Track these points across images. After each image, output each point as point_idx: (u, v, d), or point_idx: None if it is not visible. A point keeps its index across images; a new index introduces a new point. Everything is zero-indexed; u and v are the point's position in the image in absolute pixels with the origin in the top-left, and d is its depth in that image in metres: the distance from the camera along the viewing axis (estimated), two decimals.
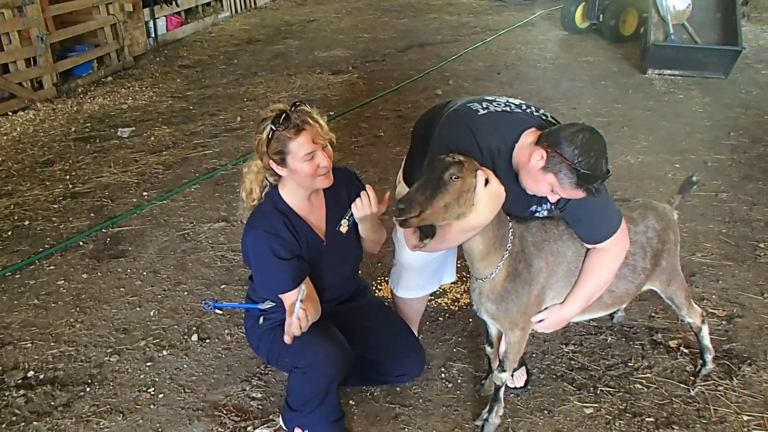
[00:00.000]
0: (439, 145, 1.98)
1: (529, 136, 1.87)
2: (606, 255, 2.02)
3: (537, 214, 2.09)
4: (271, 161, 1.96)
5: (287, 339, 1.90)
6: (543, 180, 1.82)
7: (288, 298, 2.01)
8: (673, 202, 2.36)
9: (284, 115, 1.90)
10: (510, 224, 1.99)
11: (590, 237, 2.01)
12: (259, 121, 1.96)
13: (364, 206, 2.09)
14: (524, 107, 2.01)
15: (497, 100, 2.03)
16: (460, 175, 1.76)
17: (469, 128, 1.92)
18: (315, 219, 2.14)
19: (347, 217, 2.18)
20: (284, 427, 2.23)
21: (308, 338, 1.99)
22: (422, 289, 2.46)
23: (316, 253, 2.12)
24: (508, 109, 1.98)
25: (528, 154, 1.82)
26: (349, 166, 2.34)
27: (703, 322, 2.41)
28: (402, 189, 2.30)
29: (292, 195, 2.08)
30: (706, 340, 2.44)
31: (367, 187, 2.11)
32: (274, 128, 1.90)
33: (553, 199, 1.90)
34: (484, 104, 1.99)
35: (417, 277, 2.40)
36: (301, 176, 1.97)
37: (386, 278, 3.09)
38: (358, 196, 2.12)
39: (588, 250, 2.05)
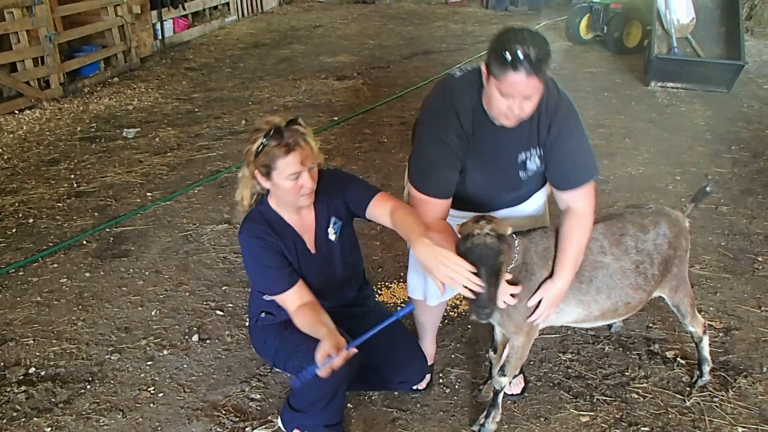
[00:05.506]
0: (424, 120, 2.02)
1: None
2: (578, 218, 2.02)
3: (528, 163, 2.06)
4: (257, 171, 1.95)
5: (323, 373, 1.83)
6: (493, 92, 1.80)
7: (283, 299, 2.04)
8: (686, 210, 2.36)
9: (278, 131, 1.88)
10: (516, 241, 2.03)
11: (568, 181, 2.02)
12: (253, 131, 1.94)
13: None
14: None
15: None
16: (504, 248, 1.83)
17: (445, 97, 1.97)
18: (304, 227, 2.14)
19: (332, 225, 2.17)
20: (283, 429, 2.25)
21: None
22: (445, 294, 2.44)
23: (306, 261, 2.13)
24: None
25: None
26: (332, 167, 2.33)
27: (704, 332, 2.42)
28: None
29: (279, 205, 2.09)
30: (706, 351, 2.45)
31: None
32: (265, 142, 1.88)
33: (519, 111, 1.81)
34: (465, 67, 2.03)
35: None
36: (284, 192, 1.97)
37: (387, 284, 3.12)
38: (343, 197, 2.12)
39: (557, 229, 2.07)
